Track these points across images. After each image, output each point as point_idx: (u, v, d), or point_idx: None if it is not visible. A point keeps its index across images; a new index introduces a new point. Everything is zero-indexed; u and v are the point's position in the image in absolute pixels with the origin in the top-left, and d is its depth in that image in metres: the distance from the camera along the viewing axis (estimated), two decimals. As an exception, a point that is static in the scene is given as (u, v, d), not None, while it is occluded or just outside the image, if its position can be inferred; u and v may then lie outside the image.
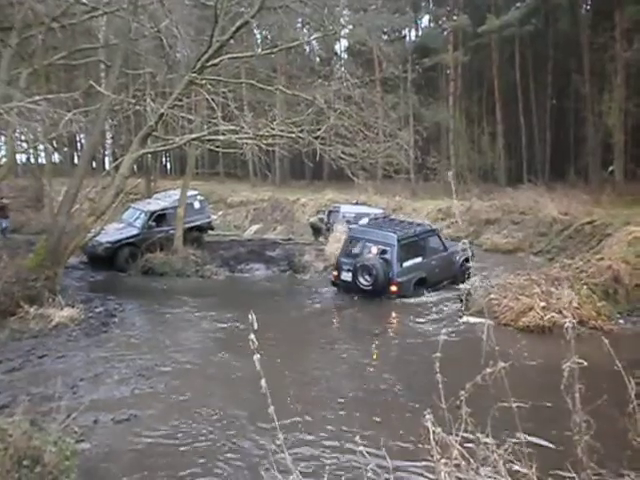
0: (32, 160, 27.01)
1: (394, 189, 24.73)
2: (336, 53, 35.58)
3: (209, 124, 12.42)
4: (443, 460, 2.46)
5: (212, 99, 11.62)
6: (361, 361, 8.34)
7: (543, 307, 9.61)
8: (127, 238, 14.67)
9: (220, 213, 26.20)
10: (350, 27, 25.73)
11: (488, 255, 16.84)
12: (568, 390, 2.14)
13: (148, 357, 8.07)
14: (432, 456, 2.55)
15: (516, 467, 2.47)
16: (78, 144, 35.00)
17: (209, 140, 12.80)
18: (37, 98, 9.09)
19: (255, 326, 2.23)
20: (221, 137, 12.02)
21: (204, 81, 11.78)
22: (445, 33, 32.03)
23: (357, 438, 2.81)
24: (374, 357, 8.49)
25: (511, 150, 29.87)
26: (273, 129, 11.73)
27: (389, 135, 12.97)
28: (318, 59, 34.48)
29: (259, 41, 30.44)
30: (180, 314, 10.80)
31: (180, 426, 5.94)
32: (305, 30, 26.36)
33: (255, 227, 24.49)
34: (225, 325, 9.91)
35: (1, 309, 8.90)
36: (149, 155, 18.36)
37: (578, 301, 9.42)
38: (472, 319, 9.89)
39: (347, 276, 11.99)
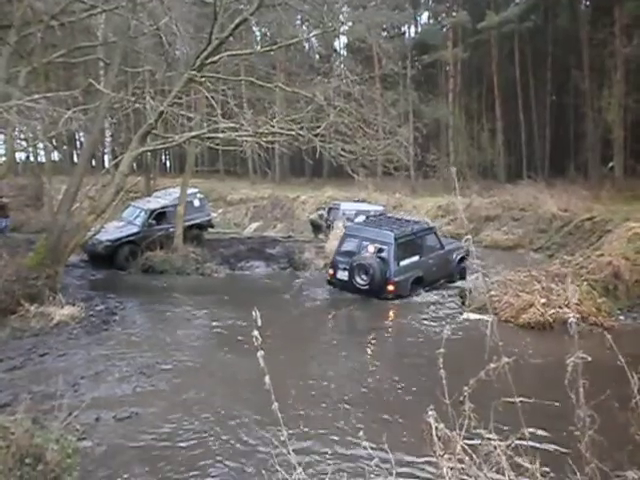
0: (32, 158, 27.00)
1: (394, 186, 24.70)
2: (335, 50, 35.54)
3: (209, 122, 12.40)
4: (446, 456, 2.46)
5: (212, 97, 11.61)
6: (362, 359, 8.35)
7: (544, 303, 9.63)
8: (127, 236, 14.66)
9: (220, 211, 26.19)
10: (349, 24, 25.68)
11: (488, 252, 16.84)
12: (571, 385, 2.14)
13: (149, 355, 8.07)
14: (435, 452, 2.56)
15: (519, 462, 2.47)
16: (77, 142, 34.99)
17: (209, 138, 12.77)
18: (36, 96, 9.07)
19: (259, 323, 2.23)
20: (221, 135, 12.00)
21: (203, 79, 11.76)
22: (444, 30, 31.99)
23: (360, 434, 2.82)
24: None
25: (511, 146, 29.85)
26: (273, 126, 11.71)
27: (389, 132, 12.96)
28: (317, 56, 34.47)
29: (258, 38, 30.43)
30: (181, 312, 10.80)
31: (182, 424, 5.95)
32: (304, 27, 26.28)
33: (255, 225, 24.48)
34: (226, 323, 9.91)
35: (2, 307, 8.89)
36: (149, 153, 18.34)
37: (579, 297, 9.43)
38: (473, 316, 9.90)
39: (343, 275, 11.82)
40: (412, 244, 12.04)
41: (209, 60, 11.84)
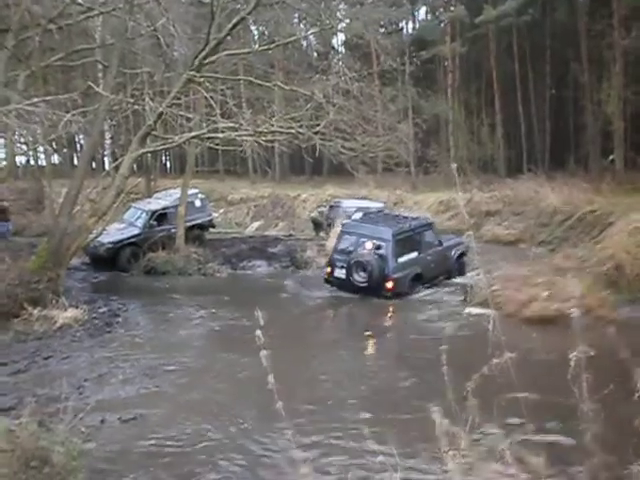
0: (32, 162, 26.99)
1: (395, 182, 24.66)
2: (333, 47, 35.46)
3: (208, 122, 12.41)
4: (451, 451, 2.46)
5: (210, 97, 11.62)
6: (365, 357, 8.37)
7: (546, 297, 9.61)
8: (129, 238, 14.68)
9: (221, 211, 26.18)
10: (347, 21, 25.63)
11: (489, 247, 16.80)
12: (575, 379, 2.13)
13: (152, 356, 8.08)
14: (440, 448, 2.56)
15: (524, 456, 2.47)
16: (77, 145, 34.96)
17: (208, 138, 12.79)
18: (35, 100, 9.09)
19: (262, 322, 2.23)
20: (220, 135, 12.01)
21: (202, 79, 11.76)
22: (442, 25, 31.87)
23: (365, 431, 2.82)
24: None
25: (510, 140, 29.76)
26: (272, 125, 11.72)
27: (388, 128, 12.97)
28: (315, 54, 34.41)
29: (256, 37, 30.35)
30: (183, 313, 10.82)
31: (186, 424, 5.96)
32: (302, 25, 26.28)
33: (256, 224, 24.48)
34: (228, 323, 9.92)
35: (5, 311, 8.92)
36: (149, 154, 18.33)
37: (582, 290, 9.41)
38: (475, 310, 9.89)
39: (341, 273, 11.60)
40: (410, 240, 11.87)
41: (207, 60, 11.85)
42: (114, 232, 14.52)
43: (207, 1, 12.05)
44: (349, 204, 17.98)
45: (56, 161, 28.41)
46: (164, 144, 12.82)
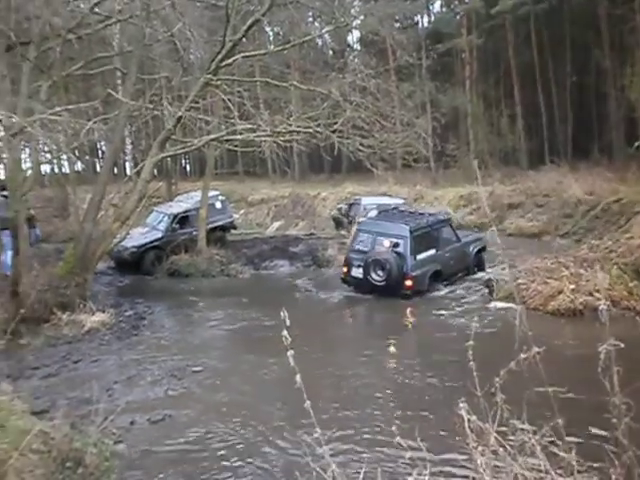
0: (56, 170, 27.54)
1: (414, 178, 24.50)
2: (349, 45, 35.40)
3: (226, 124, 12.49)
4: (480, 448, 2.45)
5: (228, 99, 11.70)
6: (390, 356, 8.33)
7: (573, 290, 9.46)
8: (152, 242, 14.88)
9: (242, 212, 26.37)
10: (361, 17, 25.59)
11: (512, 240, 16.60)
12: (605, 372, 2.10)
13: (179, 358, 8.18)
14: (468, 444, 2.54)
15: (555, 452, 2.44)
16: (99, 152, 35.58)
17: (227, 140, 12.88)
18: (58, 109, 9.25)
19: (287, 323, 2.24)
20: (239, 136, 12.09)
21: (219, 82, 11.86)
22: (458, 17, 31.55)
23: (393, 428, 2.82)
24: (391, 350, 8.48)
25: (531, 131, 29.30)
26: (290, 125, 11.75)
27: (406, 124, 12.87)
28: (331, 52, 34.35)
29: (271, 38, 30.44)
30: (208, 314, 10.93)
31: (214, 424, 6.02)
32: (316, 24, 26.22)
33: (277, 224, 24.58)
34: (253, 323, 9.99)
35: (36, 317, 9.11)
36: (169, 158, 18.55)
37: (609, 282, 9.24)
38: (500, 305, 9.79)
39: (358, 272, 11.35)
40: (428, 237, 11.63)
41: (224, 63, 11.92)
42: (138, 236, 14.74)
43: (222, 4, 12.12)
44: (369, 201, 17.93)
45: (79, 168, 28.96)
46: (184, 148, 12.95)
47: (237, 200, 27.06)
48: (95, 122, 10.12)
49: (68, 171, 20.76)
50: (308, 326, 9.21)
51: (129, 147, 23.95)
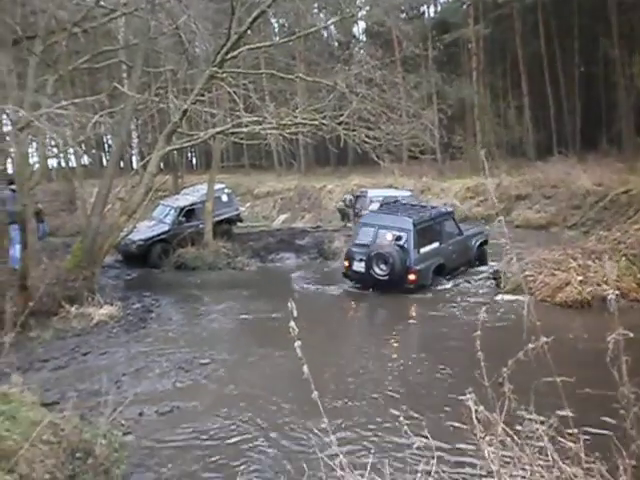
0: (63, 164, 27.65)
1: (421, 170, 24.40)
2: (354, 36, 35.15)
3: (232, 117, 12.48)
4: (487, 438, 2.45)
5: (234, 92, 11.67)
6: (397, 348, 8.34)
7: (581, 281, 9.42)
8: (159, 235, 14.94)
9: (248, 205, 26.38)
10: (367, 8, 25.39)
11: (520, 231, 16.52)
12: (614, 362, 2.09)
13: (186, 350, 8.23)
14: (475, 435, 2.54)
15: (562, 442, 2.44)
16: (106, 145, 35.68)
17: (233, 133, 12.87)
18: (64, 103, 9.28)
19: (294, 314, 2.24)
20: (245, 129, 12.07)
21: (225, 74, 11.83)
22: (464, 7, 31.19)
23: (400, 419, 2.82)
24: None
25: (539, 122, 29.07)
26: (296, 117, 11.72)
27: (413, 115, 12.80)
28: (337, 43, 34.08)
29: (276, 30, 30.36)
30: (215, 307, 10.97)
31: (222, 416, 6.06)
32: (322, 15, 26.13)
33: (283, 216, 24.59)
34: (259, 315, 10.02)
35: (45, 310, 9.18)
36: (175, 152, 18.57)
37: (617, 273, 9.18)
38: (508, 297, 9.76)
39: (359, 266, 11.12)
40: (431, 230, 11.50)
41: (229, 55, 11.89)
42: (144, 229, 14.80)
43: (227, -4, 12.07)
44: (375, 193, 17.87)
45: (86, 162, 29.06)
46: (190, 141, 12.96)
47: (243, 193, 27.06)
48: (101, 116, 10.15)
49: (75, 165, 20.78)
50: (316, 318, 9.22)
51: (135, 140, 23.97)
